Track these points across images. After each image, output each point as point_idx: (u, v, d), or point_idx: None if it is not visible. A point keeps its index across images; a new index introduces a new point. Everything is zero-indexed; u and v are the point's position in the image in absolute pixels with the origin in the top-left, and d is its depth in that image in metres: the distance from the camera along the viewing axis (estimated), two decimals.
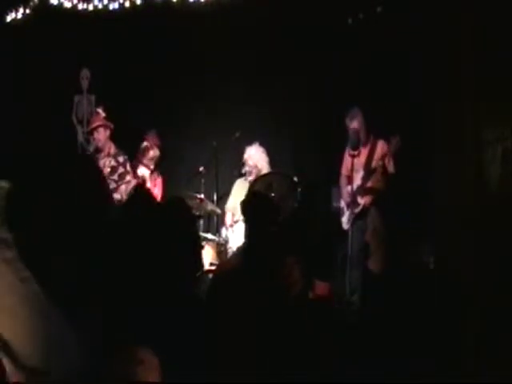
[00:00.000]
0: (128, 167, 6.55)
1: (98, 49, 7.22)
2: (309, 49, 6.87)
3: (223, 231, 6.45)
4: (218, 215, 6.86)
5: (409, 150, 5.75)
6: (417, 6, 5.45)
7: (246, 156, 6.65)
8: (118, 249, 2.33)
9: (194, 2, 6.99)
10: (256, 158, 6.60)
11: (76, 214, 1.76)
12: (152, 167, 6.72)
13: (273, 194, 6.27)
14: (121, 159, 6.54)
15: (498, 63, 3.09)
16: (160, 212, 2.96)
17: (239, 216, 5.92)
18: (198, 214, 6.17)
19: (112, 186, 6.44)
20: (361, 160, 5.92)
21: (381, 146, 5.95)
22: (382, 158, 5.82)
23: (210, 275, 5.00)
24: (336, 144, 6.30)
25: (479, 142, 3.08)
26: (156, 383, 1.86)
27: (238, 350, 3.18)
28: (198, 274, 3.36)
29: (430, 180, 3.66)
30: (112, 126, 6.65)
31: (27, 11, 7.24)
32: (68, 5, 7.12)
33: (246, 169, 6.64)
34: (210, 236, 6.36)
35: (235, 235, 6.16)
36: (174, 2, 7.05)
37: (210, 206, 6.59)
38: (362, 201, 5.88)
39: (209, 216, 6.93)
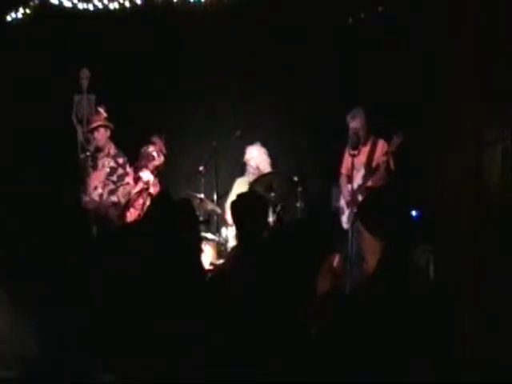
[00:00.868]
0: (128, 169, 6.53)
1: (98, 49, 7.22)
2: (309, 49, 6.88)
3: (223, 231, 6.45)
4: (218, 215, 6.86)
5: (408, 150, 5.76)
6: (417, 5, 5.46)
7: (247, 156, 6.65)
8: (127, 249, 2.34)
9: (194, 1, 6.99)
10: (258, 160, 6.60)
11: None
12: (155, 173, 6.68)
13: (273, 194, 6.28)
14: (120, 160, 6.52)
15: (498, 63, 3.10)
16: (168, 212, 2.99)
17: None
18: (202, 219, 6.19)
19: (110, 187, 6.43)
20: (361, 159, 5.94)
21: (381, 145, 5.97)
22: (384, 154, 5.85)
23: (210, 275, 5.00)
24: (336, 144, 6.31)
25: (479, 142, 3.09)
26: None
27: (237, 350, 3.18)
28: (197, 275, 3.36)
29: (430, 180, 3.66)
30: (112, 127, 6.65)
31: (27, 11, 7.24)
32: (68, 5, 7.11)
33: (248, 169, 6.65)
34: (210, 236, 6.36)
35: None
36: (174, 2, 7.05)
37: (210, 206, 6.60)
38: None
39: (209, 216, 6.93)
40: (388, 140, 5.89)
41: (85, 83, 7.30)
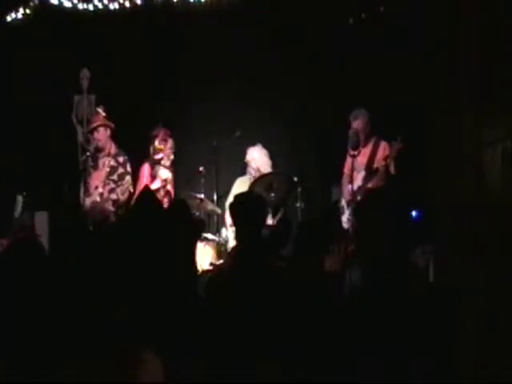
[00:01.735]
0: (128, 168, 6.55)
1: (98, 49, 7.22)
2: (309, 49, 6.88)
3: (223, 231, 6.45)
4: (218, 215, 6.86)
5: (409, 150, 5.76)
6: (417, 5, 5.45)
7: (248, 158, 6.67)
8: (119, 250, 2.33)
9: (194, 2, 6.99)
10: (259, 162, 6.62)
11: None
12: (170, 161, 6.68)
13: (273, 194, 6.28)
14: (121, 159, 6.54)
15: (498, 63, 3.09)
16: (164, 215, 2.98)
17: None
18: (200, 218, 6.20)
19: (111, 186, 6.45)
20: (361, 160, 5.94)
21: (383, 148, 5.98)
22: (385, 159, 5.86)
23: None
24: (336, 144, 6.31)
25: (479, 143, 3.08)
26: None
27: (237, 349, 3.18)
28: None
29: (430, 180, 3.65)
30: (112, 126, 6.66)
31: (27, 11, 7.24)
32: (68, 5, 7.11)
33: (248, 170, 6.66)
34: (210, 236, 6.36)
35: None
36: (174, 2, 7.05)
37: (210, 206, 6.60)
38: None
39: (209, 216, 6.93)
40: (389, 141, 5.90)
41: (85, 83, 7.29)
